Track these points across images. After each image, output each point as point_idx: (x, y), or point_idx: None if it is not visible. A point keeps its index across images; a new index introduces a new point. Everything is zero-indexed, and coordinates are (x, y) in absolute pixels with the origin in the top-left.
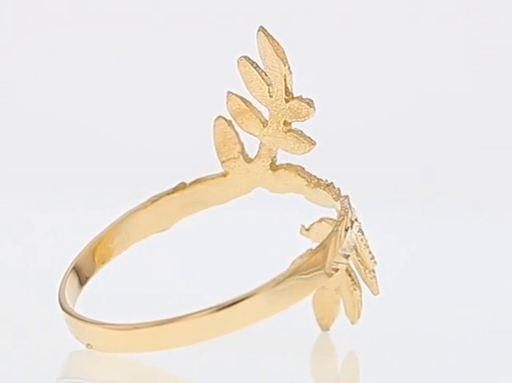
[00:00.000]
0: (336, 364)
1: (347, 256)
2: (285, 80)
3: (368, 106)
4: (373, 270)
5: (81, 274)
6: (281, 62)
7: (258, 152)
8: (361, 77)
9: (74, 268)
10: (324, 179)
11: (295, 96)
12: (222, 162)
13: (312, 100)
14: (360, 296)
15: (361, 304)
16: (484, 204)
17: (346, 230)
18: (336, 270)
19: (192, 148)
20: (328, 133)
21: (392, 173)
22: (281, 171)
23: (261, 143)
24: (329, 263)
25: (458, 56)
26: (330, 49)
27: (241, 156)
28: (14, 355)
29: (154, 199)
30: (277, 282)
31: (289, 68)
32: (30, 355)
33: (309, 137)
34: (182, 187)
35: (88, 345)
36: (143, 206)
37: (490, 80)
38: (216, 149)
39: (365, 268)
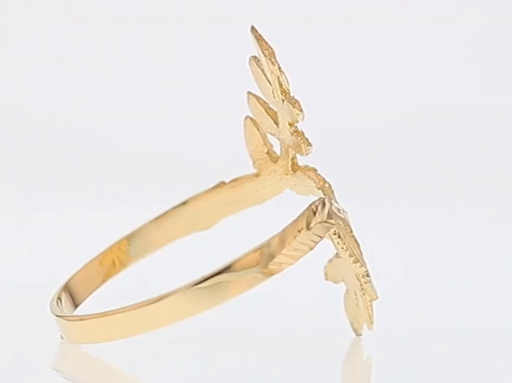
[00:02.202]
0: (358, 369)
1: (297, 257)
2: (278, 79)
3: (371, 106)
4: (367, 275)
5: (85, 280)
6: (269, 62)
7: (280, 152)
8: (363, 77)
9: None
10: (328, 182)
11: (290, 96)
12: (254, 162)
13: (297, 102)
14: (370, 301)
15: (371, 308)
16: (486, 204)
17: (299, 231)
18: (279, 270)
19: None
20: (330, 133)
21: (395, 174)
22: (298, 172)
23: (280, 143)
24: (268, 263)
25: (457, 56)
26: (332, 50)
27: (268, 157)
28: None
29: (193, 198)
30: (205, 278)
31: (279, 68)
32: (23, 347)
33: (306, 139)
34: (221, 185)
35: (61, 336)
36: (183, 203)
37: (490, 81)
38: (247, 149)
39: (359, 273)
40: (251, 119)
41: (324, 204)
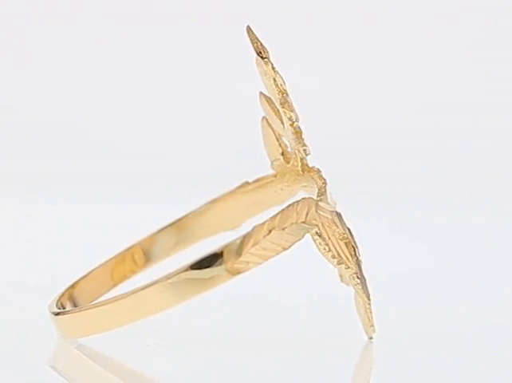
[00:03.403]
0: (359, 371)
1: (267, 257)
2: (274, 80)
3: (372, 106)
4: (357, 277)
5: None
6: (262, 62)
7: (291, 153)
8: (363, 77)
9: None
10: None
11: (283, 96)
12: (271, 163)
13: (286, 102)
14: (369, 303)
15: (370, 311)
16: (487, 203)
17: (270, 231)
18: (245, 269)
19: None
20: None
21: (396, 174)
22: (305, 173)
23: (289, 144)
24: (233, 262)
25: (457, 56)
26: (332, 50)
27: (282, 158)
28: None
29: (219, 198)
30: (170, 275)
31: (273, 68)
32: (22, 346)
33: (302, 139)
34: (245, 185)
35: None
36: (209, 203)
37: (490, 81)
38: (265, 150)
39: (347, 275)
40: (267, 119)
41: (304, 205)
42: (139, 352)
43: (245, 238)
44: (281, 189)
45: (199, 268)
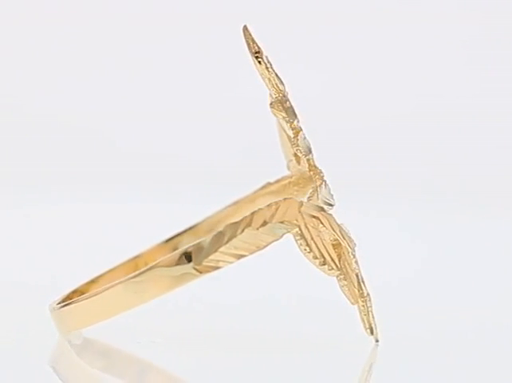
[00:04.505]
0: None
1: (239, 256)
2: (269, 80)
3: (372, 106)
4: (344, 279)
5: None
6: (256, 61)
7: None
8: (363, 77)
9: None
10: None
11: (278, 96)
12: (287, 163)
13: (276, 102)
14: (364, 305)
15: (364, 313)
16: (488, 204)
17: (243, 230)
18: (215, 268)
19: None
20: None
21: (397, 174)
22: (311, 173)
23: None
24: (202, 260)
25: (457, 56)
26: (333, 50)
27: (294, 158)
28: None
29: (243, 199)
30: (139, 273)
31: (267, 68)
32: (22, 345)
33: (297, 140)
34: (267, 186)
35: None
36: (233, 204)
37: (490, 81)
38: (281, 151)
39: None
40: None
41: (285, 205)
42: (137, 351)
43: (215, 237)
44: (297, 191)
45: (168, 265)
